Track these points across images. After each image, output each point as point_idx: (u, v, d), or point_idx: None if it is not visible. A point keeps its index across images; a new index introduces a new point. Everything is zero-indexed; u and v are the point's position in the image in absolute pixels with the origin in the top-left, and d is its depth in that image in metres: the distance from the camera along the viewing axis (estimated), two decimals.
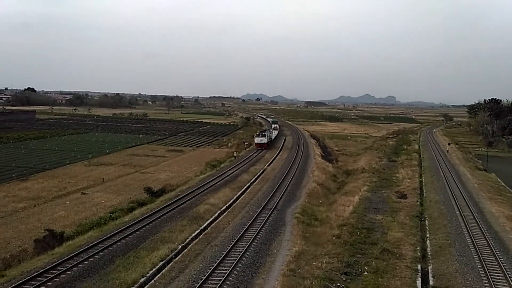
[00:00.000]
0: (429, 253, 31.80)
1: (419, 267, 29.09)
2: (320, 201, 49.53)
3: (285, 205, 45.45)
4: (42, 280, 24.71)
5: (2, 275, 25.91)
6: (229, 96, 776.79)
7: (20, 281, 24.35)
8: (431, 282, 26.63)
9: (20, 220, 40.37)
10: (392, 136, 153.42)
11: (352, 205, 45.43)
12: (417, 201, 49.23)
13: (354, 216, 40.82)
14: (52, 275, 25.42)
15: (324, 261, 29.03)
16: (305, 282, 25.35)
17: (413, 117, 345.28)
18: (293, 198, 49.31)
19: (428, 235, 36.29)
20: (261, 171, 66.55)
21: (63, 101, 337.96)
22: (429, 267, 29.11)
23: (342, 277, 26.95)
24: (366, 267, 28.38)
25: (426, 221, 40.76)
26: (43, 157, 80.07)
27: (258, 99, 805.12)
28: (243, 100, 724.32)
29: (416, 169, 73.67)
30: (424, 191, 55.74)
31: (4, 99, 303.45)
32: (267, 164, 73.48)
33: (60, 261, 27.59)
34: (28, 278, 24.81)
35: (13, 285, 23.77)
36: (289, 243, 33.27)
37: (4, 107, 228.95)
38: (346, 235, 34.84)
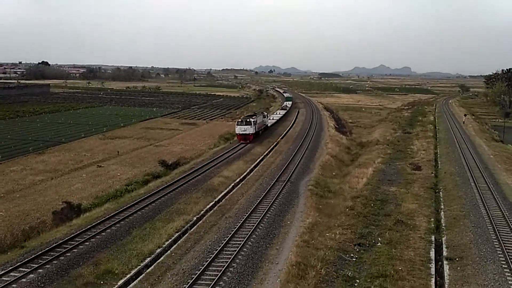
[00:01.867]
0: (443, 224, 31.78)
1: (433, 238, 29.15)
2: (333, 173, 49.53)
3: (299, 178, 45.55)
4: (61, 251, 25.32)
5: (22, 246, 26.60)
6: (241, 68, 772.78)
7: (40, 252, 24.99)
8: (444, 253, 26.69)
9: (38, 192, 41.15)
10: (407, 107, 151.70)
11: (366, 177, 45.35)
12: (432, 172, 48.94)
13: (367, 188, 40.81)
14: (71, 246, 26.03)
15: (337, 233, 29.22)
16: (319, 253, 25.59)
17: (428, 88, 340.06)
18: (306, 170, 49.36)
19: (442, 207, 36.21)
20: (274, 144, 66.51)
21: (77, 75, 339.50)
22: (443, 238, 29.13)
23: (355, 248, 27.15)
24: (379, 238, 28.52)
25: (441, 193, 40.60)
26: (58, 130, 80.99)
27: (271, 71, 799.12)
28: (256, 72, 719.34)
29: (431, 141, 72.99)
30: (439, 162, 55.35)
31: (18, 73, 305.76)
32: (280, 137, 73.39)
33: (78, 232, 28.20)
34: (47, 249, 25.44)
35: (33, 256, 24.42)
36: (302, 215, 33.50)
37: (19, 81, 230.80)
38: (359, 207, 34.92)
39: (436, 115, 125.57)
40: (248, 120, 65.44)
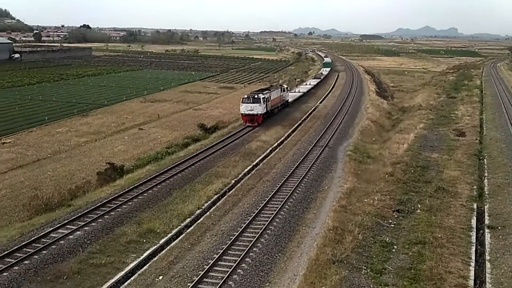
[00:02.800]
0: (486, 192, 30.95)
1: (475, 206, 28.48)
2: (373, 139, 48.76)
3: (337, 143, 45.15)
4: (105, 210, 26.38)
5: (69, 204, 27.86)
6: (280, 30, 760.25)
7: (86, 210, 26.13)
8: (486, 221, 26.10)
9: (83, 153, 42.66)
10: (452, 71, 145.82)
11: (407, 143, 44.40)
12: (476, 139, 47.35)
13: (408, 154, 40.02)
14: (115, 205, 27.06)
15: (376, 198, 28.99)
16: (356, 218, 25.55)
17: (476, 50, 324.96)
18: (345, 135, 48.80)
19: (486, 174, 35.17)
20: (312, 108, 65.84)
21: (117, 38, 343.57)
22: (486, 206, 28.42)
23: (394, 214, 26.93)
24: (419, 205, 28.13)
25: (485, 160, 39.35)
26: (101, 93, 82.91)
27: (310, 33, 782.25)
28: (295, 34, 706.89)
29: (476, 106, 70.31)
30: (484, 128, 53.42)
31: (61, 36, 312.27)
32: (319, 101, 72.50)
33: (122, 192, 29.22)
34: (92, 207, 26.56)
35: (79, 214, 25.57)
36: (340, 180, 33.36)
37: (62, 44, 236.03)
38: (399, 173, 34.38)
39: (483, 79, 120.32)
40: (256, 96, 50.39)
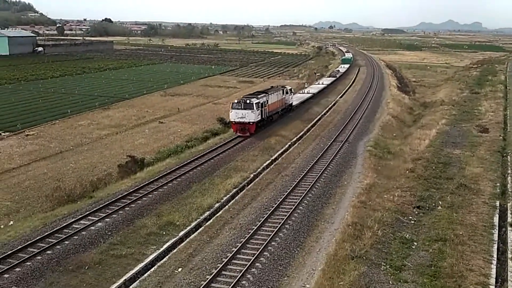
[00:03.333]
0: (510, 190, 30.30)
1: (497, 203, 27.95)
2: (394, 134, 48.24)
3: (357, 138, 44.81)
4: (126, 202, 26.74)
5: (91, 196, 28.30)
6: (300, 24, 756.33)
7: (107, 202, 26.51)
8: (509, 219, 25.58)
9: (104, 146, 43.26)
10: (476, 66, 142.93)
11: (429, 138, 43.80)
12: (500, 135, 46.40)
13: (430, 150, 39.47)
14: (135, 198, 27.40)
15: (396, 195, 28.70)
16: (376, 214, 25.35)
17: (500, 45, 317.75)
18: (365, 130, 48.39)
19: (509, 171, 34.41)
20: (332, 103, 65.44)
21: (138, 32, 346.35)
22: (509, 204, 27.85)
23: (414, 211, 26.63)
24: (440, 202, 27.74)
25: (509, 157, 38.53)
26: (122, 86, 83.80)
27: (331, 27, 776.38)
28: (315, 28, 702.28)
29: (501, 102, 68.83)
30: (509, 125, 52.29)
31: (83, 29, 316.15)
32: (339, 96, 72.00)
33: (142, 185, 29.56)
34: (113, 199, 26.93)
35: (101, 206, 25.96)
36: (360, 176, 33.13)
37: (84, 37, 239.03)
38: (420, 169, 33.95)
39: (508, 74, 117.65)
40: (248, 101, 42.29)
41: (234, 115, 42.40)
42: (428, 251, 21.63)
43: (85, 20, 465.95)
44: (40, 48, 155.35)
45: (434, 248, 21.82)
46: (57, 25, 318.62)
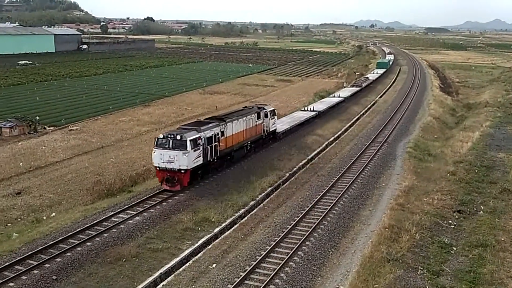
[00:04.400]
0: None
1: None
2: (435, 136, 47.00)
3: (397, 139, 43.92)
4: (163, 197, 27.19)
5: (129, 190, 28.98)
6: (341, 23, 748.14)
7: (145, 197, 27.06)
8: None
9: (143, 142, 44.17)
10: None
11: (471, 141, 42.42)
12: None
13: (472, 153, 38.22)
14: (172, 193, 27.83)
15: (435, 198, 27.96)
16: (414, 217, 24.79)
17: None
18: (405, 132, 47.37)
19: None
20: (372, 103, 64.39)
21: (179, 30, 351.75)
22: None
23: (454, 215, 25.85)
24: (482, 207, 26.84)
25: None
26: (162, 84, 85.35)
27: (372, 26, 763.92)
28: (356, 27, 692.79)
29: None
30: None
31: (126, 28, 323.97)
32: (378, 96, 70.76)
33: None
34: (151, 194, 27.44)
35: (139, 200, 26.53)
36: (398, 178, 32.47)
37: (127, 36, 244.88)
38: (462, 173, 32.92)
39: None
40: (180, 136, 27.81)
41: (158, 158, 27.65)
42: (468, 257, 20.97)
43: (128, 18, 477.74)
44: (84, 46, 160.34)
45: (474, 254, 21.13)
46: (101, 24, 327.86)
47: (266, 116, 37.45)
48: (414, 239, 22.28)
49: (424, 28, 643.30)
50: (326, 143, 41.94)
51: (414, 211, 25.91)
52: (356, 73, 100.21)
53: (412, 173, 33.19)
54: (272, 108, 39.20)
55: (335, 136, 44.52)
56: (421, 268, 19.91)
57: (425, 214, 25.34)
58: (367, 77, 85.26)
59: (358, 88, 70.77)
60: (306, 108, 51.96)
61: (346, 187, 29.70)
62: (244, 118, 34.08)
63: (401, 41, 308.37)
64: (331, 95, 62.93)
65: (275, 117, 39.60)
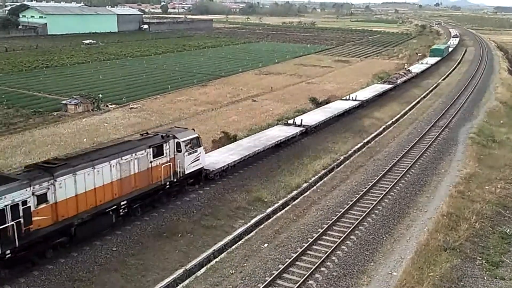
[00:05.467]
0: None
1: None
2: (501, 122, 44.57)
3: (459, 124, 42.09)
4: (217, 176, 27.68)
5: None
6: (403, 1, 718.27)
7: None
8: None
9: (200, 121, 44.94)
10: None
11: None
12: None
13: None
14: (227, 173, 28.28)
15: (498, 186, 26.70)
16: (474, 205, 23.83)
17: None
18: (469, 116, 45.26)
19: None
20: (434, 85, 61.86)
21: (237, 10, 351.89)
22: None
23: None
24: None
25: None
26: (219, 64, 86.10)
27: (437, 5, 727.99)
28: (420, 5, 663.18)
29: None
30: None
31: (185, 8, 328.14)
32: (441, 78, 67.83)
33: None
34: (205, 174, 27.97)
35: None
36: (459, 164, 31.20)
37: (186, 16, 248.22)
38: None
39: None
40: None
41: None
42: None
43: None
44: (145, 26, 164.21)
45: None
46: (162, 4, 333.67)
47: (178, 149, 24.05)
48: (474, 228, 21.48)
49: (493, 7, 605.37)
50: (384, 126, 40.91)
51: (475, 199, 24.89)
52: (418, 54, 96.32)
53: (475, 159, 31.77)
54: (193, 136, 25.34)
55: (393, 119, 43.28)
56: (480, 259, 19.20)
57: (487, 203, 24.31)
58: (407, 71, 68.59)
59: (389, 86, 55.51)
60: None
61: (403, 173, 28.92)
62: (117, 161, 20.55)
63: (468, 21, 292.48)
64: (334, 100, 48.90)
65: (201, 148, 25.86)
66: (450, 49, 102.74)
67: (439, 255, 19.08)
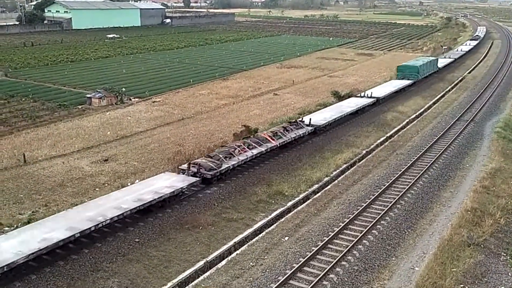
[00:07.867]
0: None
1: None
2: None
3: (485, 118, 41.22)
4: (239, 169, 27.84)
5: None
6: None
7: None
8: None
9: (221, 115, 45.13)
10: None
11: None
12: None
13: None
14: (248, 166, 28.43)
15: None
16: (499, 201, 23.38)
17: None
18: (495, 110, 44.27)
19: None
20: (459, 79, 60.65)
21: (259, 3, 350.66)
22: None
23: None
24: None
25: None
26: (241, 58, 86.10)
27: None
28: None
29: None
30: None
31: (208, 2, 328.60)
32: (467, 72, 66.46)
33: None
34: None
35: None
36: (485, 159, 30.59)
37: (208, 9, 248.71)
38: None
39: None
40: None
41: None
42: None
43: None
44: (168, 20, 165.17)
45: None
46: None
47: None
48: (499, 224, 21.09)
49: None
50: (407, 120, 40.37)
51: (500, 194, 24.41)
52: (444, 47, 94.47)
53: (500, 154, 31.09)
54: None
55: (417, 113, 42.65)
56: (504, 255, 18.86)
57: None
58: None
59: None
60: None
61: (427, 167, 28.52)
62: None
63: (495, 13, 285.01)
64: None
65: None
66: (442, 64, 67.34)
67: (463, 250, 18.81)
